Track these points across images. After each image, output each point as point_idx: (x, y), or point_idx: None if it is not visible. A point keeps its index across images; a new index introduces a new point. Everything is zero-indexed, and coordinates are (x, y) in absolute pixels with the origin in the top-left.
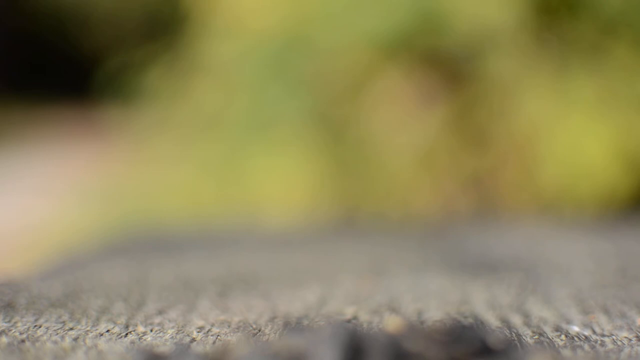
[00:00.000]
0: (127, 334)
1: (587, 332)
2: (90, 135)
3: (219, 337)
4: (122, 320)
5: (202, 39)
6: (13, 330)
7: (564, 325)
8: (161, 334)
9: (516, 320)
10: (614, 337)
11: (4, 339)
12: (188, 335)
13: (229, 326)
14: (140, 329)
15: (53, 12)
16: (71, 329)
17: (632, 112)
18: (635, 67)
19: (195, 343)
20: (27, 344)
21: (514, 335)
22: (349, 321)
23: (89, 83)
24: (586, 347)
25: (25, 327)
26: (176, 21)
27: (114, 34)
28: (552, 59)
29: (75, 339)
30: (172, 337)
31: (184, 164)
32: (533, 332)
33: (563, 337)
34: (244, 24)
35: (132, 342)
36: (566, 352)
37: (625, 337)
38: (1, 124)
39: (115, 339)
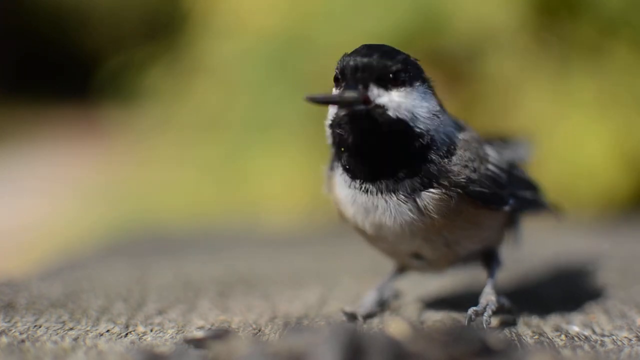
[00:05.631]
0: (127, 334)
1: (587, 332)
2: (90, 135)
3: None
4: (122, 320)
5: (203, 38)
6: (13, 330)
7: (564, 325)
8: (161, 334)
9: (516, 320)
10: (614, 337)
11: (4, 339)
12: (188, 335)
13: (229, 326)
14: (140, 329)
15: (53, 12)
16: (71, 329)
17: (632, 112)
18: (636, 67)
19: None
20: (27, 344)
21: (514, 335)
22: (348, 321)
23: (89, 83)
24: (586, 347)
25: (25, 327)
26: (176, 21)
27: (114, 34)
28: (552, 59)
29: (75, 339)
30: (172, 337)
31: (184, 165)
32: (533, 332)
33: (563, 337)
34: (244, 24)
35: (132, 342)
36: (566, 352)
37: (625, 337)
38: (1, 123)
39: (115, 339)
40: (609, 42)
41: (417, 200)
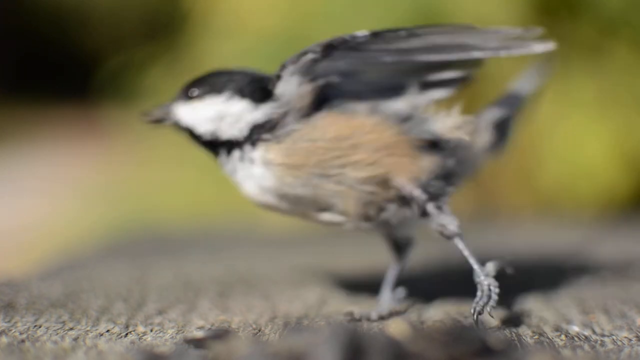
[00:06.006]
0: (127, 334)
1: (587, 332)
2: (90, 135)
3: None
4: (122, 320)
5: (203, 38)
6: (13, 330)
7: (564, 325)
8: (161, 334)
9: (516, 320)
10: (614, 337)
11: (4, 339)
12: (188, 335)
13: (229, 326)
14: (140, 329)
15: (53, 12)
16: (71, 329)
17: (632, 112)
18: (636, 67)
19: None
20: (27, 344)
21: (514, 335)
22: (349, 321)
23: (89, 83)
24: (586, 347)
25: (25, 327)
26: (176, 21)
27: (114, 34)
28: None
29: (75, 339)
30: (172, 337)
31: (184, 165)
32: (533, 332)
33: (563, 337)
34: (244, 24)
35: (132, 342)
36: (566, 352)
37: (625, 337)
38: (1, 123)
39: (115, 339)
40: (609, 42)
41: (254, 158)
